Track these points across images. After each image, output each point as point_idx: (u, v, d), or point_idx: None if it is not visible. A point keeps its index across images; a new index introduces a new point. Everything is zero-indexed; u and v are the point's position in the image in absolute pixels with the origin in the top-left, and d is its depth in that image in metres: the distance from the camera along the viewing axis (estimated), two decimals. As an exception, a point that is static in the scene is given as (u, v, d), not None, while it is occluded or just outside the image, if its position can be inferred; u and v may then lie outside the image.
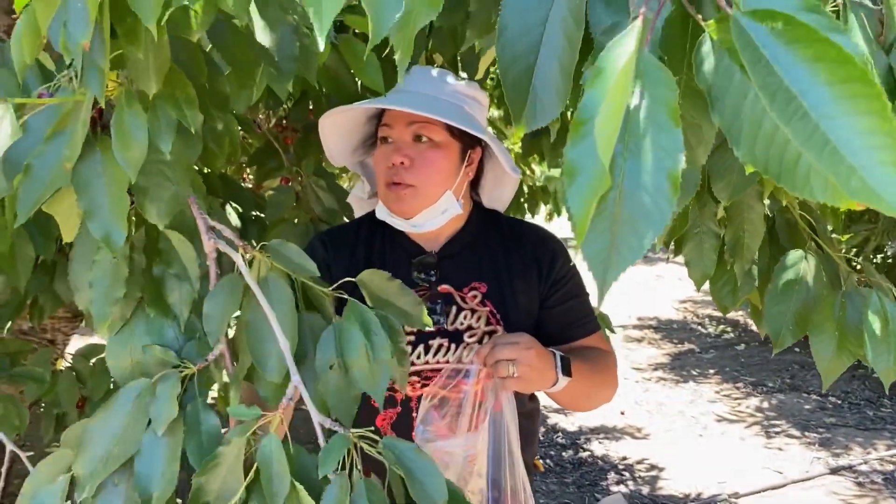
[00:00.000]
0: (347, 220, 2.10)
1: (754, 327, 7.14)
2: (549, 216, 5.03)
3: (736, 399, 5.20)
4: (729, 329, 7.12)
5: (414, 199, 1.33)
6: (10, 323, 2.08)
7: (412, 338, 1.35)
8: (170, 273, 1.04)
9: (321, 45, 0.49)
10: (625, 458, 4.23)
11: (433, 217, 1.35)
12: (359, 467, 0.84)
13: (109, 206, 0.87)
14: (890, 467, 4.10)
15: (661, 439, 4.50)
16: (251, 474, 0.88)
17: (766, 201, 1.15)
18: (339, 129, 1.41)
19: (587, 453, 4.30)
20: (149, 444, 0.96)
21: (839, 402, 5.10)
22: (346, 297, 1.00)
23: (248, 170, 3.14)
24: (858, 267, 1.10)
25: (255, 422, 0.88)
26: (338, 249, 1.41)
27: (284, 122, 2.35)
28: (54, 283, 2.12)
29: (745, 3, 0.45)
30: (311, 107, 2.10)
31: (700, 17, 0.46)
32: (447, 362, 1.36)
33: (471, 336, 1.36)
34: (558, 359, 1.27)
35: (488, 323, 1.38)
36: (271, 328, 0.91)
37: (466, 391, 1.22)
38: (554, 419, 4.72)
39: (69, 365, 2.23)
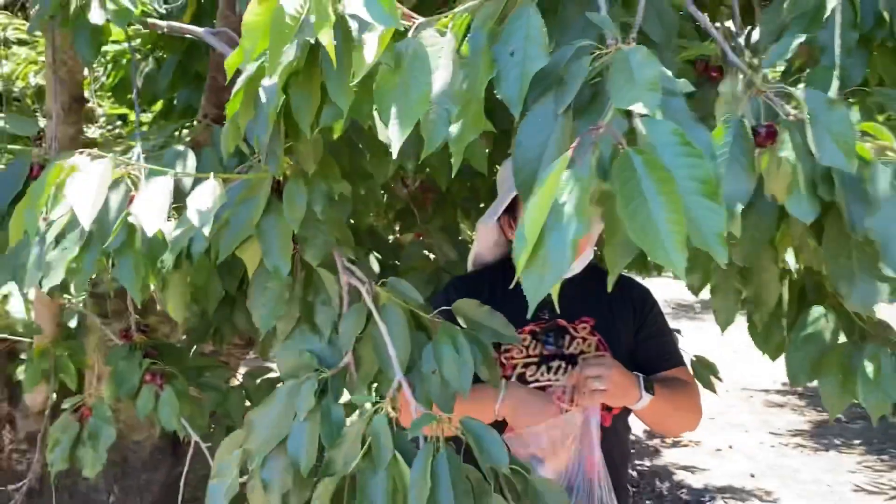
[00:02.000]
0: (468, 270, 2.46)
1: (912, 400, 6.74)
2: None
3: (878, 471, 4.99)
4: (883, 400, 6.76)
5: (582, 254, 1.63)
6: (195, 346, 2.58)
7: (537, 359, 1.62)
8: (318, 300, 1.42)
9: (395, 150, 0.84)
10: (749, 520, 4.22)
11: (581, 263, 1.65)
12: (441, 440, 1.15)
13: (279, 249, 1.26)
14: None
15: (791, 504, 4.44)
16: (365, 447, 1.21)
17: (795, 265, 1.37)
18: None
19: (710, 511, 4.33)
20: (296, 428, 1.31)
21: None
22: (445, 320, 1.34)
23: (396, 225, 3.60)
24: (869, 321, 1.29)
25: (373, 408, 1.22)
26: (467, 294, 1.72)
27: (423, 184, 2.76)
28: (233, 315, 2.61)
29: (651, 138, 0.75)
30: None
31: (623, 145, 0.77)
32: None
33: (583, 359, 1.62)
34: (641, 379, 1.54)
35: (597, 349, 1.65)
36: (387, 344, 1.27)
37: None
38: (680, 476, 4.76)
39: (239, 383, 2.70)
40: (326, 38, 0.84)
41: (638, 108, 0.79)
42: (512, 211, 1.63)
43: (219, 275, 1.99)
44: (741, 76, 0.99)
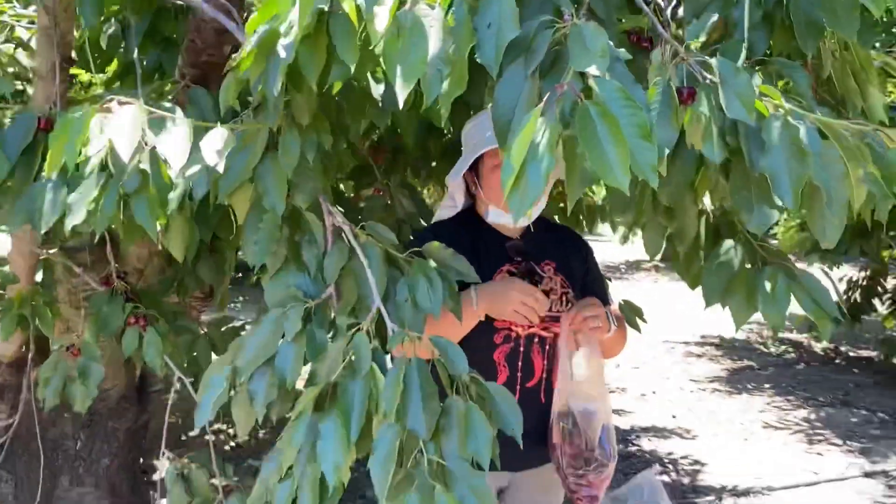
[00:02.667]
0: (424, 223, 2.68)
1: (817, 349, 7.34)
2: (624, 240, 5.45)
3: (785, 410, 5.49)
4: (791, 350, 7.34)
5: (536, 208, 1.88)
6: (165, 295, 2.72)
7: None
8: (305, 240, 1.61)
9: (401, 103, 1.05)
10: (670, 454, 4.62)
11: (537, 210, 1.90)
12: (414, 357, 1.37)
13: (275, 190, 1.45)
14: (925, 475, 4.35)
15: (708, 440, 4.87)
16: (346, 361, 1.42)
17: (710, 207, 1.65)
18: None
19: (636, 448, 4.72)
20: (283, 348, 1.50)
21: (887, 418, 5.32)
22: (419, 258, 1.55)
23: (342, 185, 3.78)
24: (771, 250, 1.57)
25: (352, 329, 1.43)
26: (447, 239, 1.84)
27: (377, 145, 2.96)
28: (197, 267, 2.76)
29: (601, 94, 0.98)
30: (399, 131, 2.69)
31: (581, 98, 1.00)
32: None
33: (553, 294, 1.90)
34: (609, 314, 1.89)
35: (563, 286, 1.93)
36: (367, 275, 1.47)
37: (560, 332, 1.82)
38: (609, 419, 5.14)
39: (204, 331, 2.86)
40: (348, 5, 1.04)
41: (592, 70, 1.02)
42: (475, 168, 1.87)
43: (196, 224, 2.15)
44: (668, 46, 1.23)
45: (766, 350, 7.37)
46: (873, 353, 7.17)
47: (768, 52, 1.53)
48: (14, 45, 2.37)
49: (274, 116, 1.38)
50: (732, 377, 6.43)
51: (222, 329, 2.86)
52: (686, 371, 6.60)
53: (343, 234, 1.57)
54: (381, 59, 1.11)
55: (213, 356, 2.78)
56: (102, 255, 2.36)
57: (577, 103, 0.98)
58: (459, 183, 2.03)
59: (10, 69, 2.45)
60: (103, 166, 1.49)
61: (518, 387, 1.85)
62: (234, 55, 2.15)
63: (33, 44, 2.36)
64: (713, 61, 1.19)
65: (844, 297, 6.86)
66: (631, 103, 0.96)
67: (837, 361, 6.95)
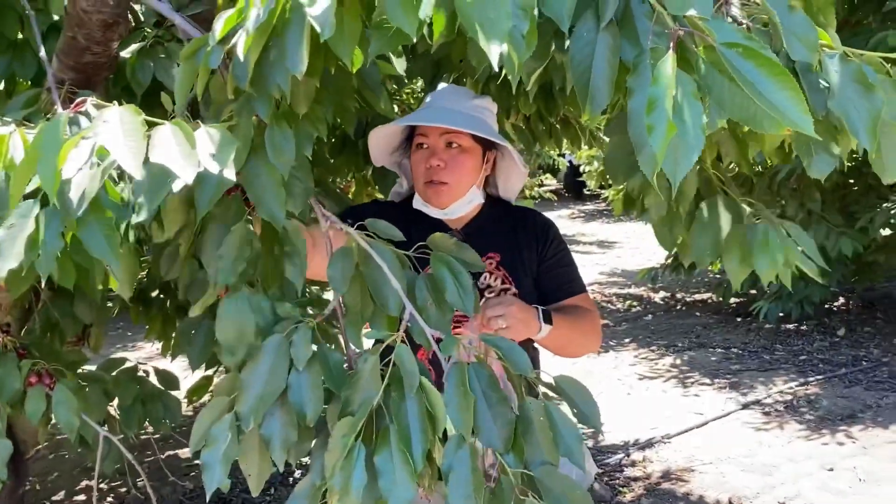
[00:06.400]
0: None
1: (657, 299, 7.85)
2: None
3: (652, 360, 5.81)
4: (635, 304, 7.80)
5: (448, 193, 1.72)
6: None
7: None
8: (286, 252, 1.39)
9: (495, 65, 0.89)
10: (567, 421, 4.71)
11: (462, 206, 1.75)
12: (473, 362, 1.22)
13: (272, 195, 1.22)
14: (788, 397, 4.77)
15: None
16: (386, 378, 1.23)
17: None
18: (381, 138, 1.77)
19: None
20: (295, 380, 1.27)
21: (740, 352, 5.79)
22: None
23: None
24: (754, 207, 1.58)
25: (387, 338, 1.25)
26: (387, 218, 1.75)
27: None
28: (74, 306, 2.38)
29: (718, 37, 0.88)
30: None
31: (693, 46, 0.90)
32: None
33: (490, 292, 1.75)
34: (540, 311, 1.67)
35: (503, 283, 1.77)
36: (387, 278, 1.29)
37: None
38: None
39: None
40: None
41: (692, 13, 0.92)
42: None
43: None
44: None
45: (614, 307, 7.76)
46: (706, 296, 7.79)
47: None
48: None
49: (268, 107, 1.15)
50: (594, 337, 6.70)
51: (114, 372, 2.50)
52: (551, 339, 6.79)
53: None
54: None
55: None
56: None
57: (706, 49, 0.88)
58: (405, 166, 1.88)
59: None
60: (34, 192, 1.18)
61: None
62: (173, 41, 1.84)
63: None
64: (759, 0, 1.13)
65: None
66: (758, 44, 0.88)
67: (679, 308, 7.48)
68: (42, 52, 1.52)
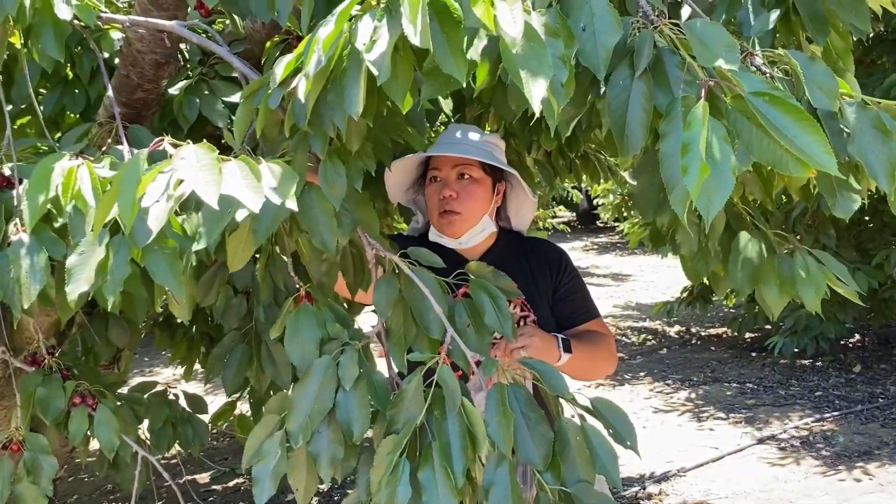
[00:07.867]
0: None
1: (672, 333, 7.87)
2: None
3: (668, 394, 5.83)
4: (650, 337, 7.82)
5: (461, 223, 1.81)
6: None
7: None
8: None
9: (536, 109, 0.98)
10: (583, 453, 4.74)
11: (476, 236, 1.83)
12: (510, 383, 1.29)
13: (325, 225, 1.30)
14: (804, 433, 4.78)
15: (611, 434, 5.04)
16: (429, 398, 1.30)
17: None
18: (397, 174, 1.87)
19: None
20: (342, 399, 1.34)
21: (755, 387, 5.80)
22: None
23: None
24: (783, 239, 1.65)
25: (429, 359, 1.32)
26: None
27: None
28: (108, 329, 2.47)
29: (746, 87, 0.96)
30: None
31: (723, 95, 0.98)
32: None
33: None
34: (559, 340, 1.75)
35: (522, 309, 1.85)
36: (430, 304, 1.36)
37: None
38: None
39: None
40: (482, 8, 0.95)
41: (720, 64, 1.01)
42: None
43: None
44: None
45: (629, 340, 7.79)
46: (720, 331, 7.81)
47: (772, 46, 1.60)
48: None
49: (324, 144, 1.24)
50: (609, 371, 6.73)
51: (146, 395, 2.58)
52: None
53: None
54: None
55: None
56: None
57: (734, 97, 0.97)
58: (420, 202, 1.97)
59: None
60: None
61: None
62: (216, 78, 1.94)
63: None
64: (781, 52, 1.22)
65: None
66: (783, 92, 0.96)
67: (693, 342, 7.50)
68: (109, 91, 1.62)
